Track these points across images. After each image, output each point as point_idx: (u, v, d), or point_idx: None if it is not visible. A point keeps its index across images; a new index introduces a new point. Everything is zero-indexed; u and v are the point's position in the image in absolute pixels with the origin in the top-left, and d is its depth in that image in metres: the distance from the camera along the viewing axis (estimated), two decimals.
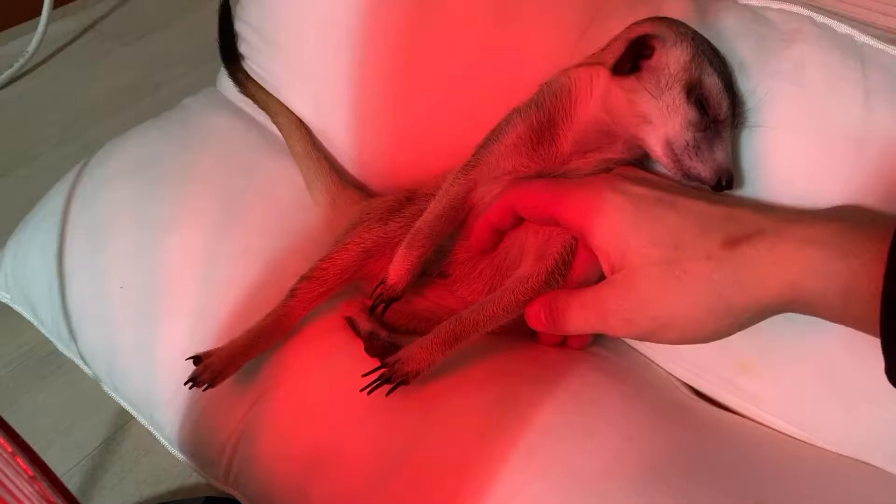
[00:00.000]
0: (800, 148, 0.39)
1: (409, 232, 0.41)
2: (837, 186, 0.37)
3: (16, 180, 0.51)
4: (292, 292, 0.41)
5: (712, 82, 0.37)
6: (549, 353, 0.43)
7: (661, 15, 0.40)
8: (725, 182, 0.37)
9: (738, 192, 0.40)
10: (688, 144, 0.37)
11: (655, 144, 0.38)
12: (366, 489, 0.37)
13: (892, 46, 0.38)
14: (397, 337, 0.42)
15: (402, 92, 0.51)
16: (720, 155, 0.37)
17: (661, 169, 0.39)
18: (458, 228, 0.42)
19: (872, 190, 0.36)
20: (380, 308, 0.40)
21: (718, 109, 0.37)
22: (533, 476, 0.35)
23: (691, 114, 0.36)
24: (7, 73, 0.72)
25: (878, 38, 0.39)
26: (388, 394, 0.37)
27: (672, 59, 0.37)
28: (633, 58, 0.37)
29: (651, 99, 0.37)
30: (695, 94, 0.36)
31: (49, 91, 0.75)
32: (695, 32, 0.38)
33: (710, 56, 0.38)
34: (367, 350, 0.41)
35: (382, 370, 0.37)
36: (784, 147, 0.39)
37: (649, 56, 0.37)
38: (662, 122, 0.37)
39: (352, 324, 0.42)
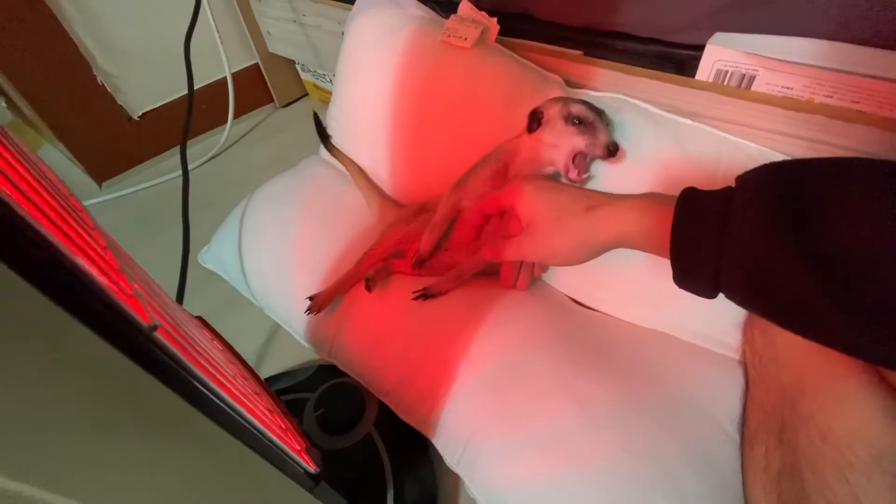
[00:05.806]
0: (628, 163, 0.51)
1: (422, 227, 0.53)
2: (646, 182, 0.50)
3: (219, 207, 0.71)
4: (359, 261, 0.55)
5: (577, 108, 0.47)
6: (502, 289, 0.55)
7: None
8: (612, 149, 0.46)
9: (598, 187, 0.50)
10: (584, 144, 0.47)
11: (561, 160, 0.48)
12: (401, 352, 0.51)
13: (666, 113, 0.52)
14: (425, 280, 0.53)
15: (415, 149, 0.63)
16: (602, 137, 0.47)
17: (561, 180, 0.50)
18: (452, 224, 0.54)
19: (661, 183, 0.49)
20: (418, 263, 0.53)
21: (589, 118, 0.48)
22: (488, 344, 0.48)
23: (573, 129, 0.47)
24: (210, 154, 1.06)
25: (658, 108, 0.53)
26: (424, 299, 0.51)
27: (552, 113, 0.49)
28: (534, 121, 0.50)
29: (550, 135, 0.49)
30: (571, 119, 0.48)
31: (233, 163, 1.08)
32: (565, 98, 0.50)
33: (572, 100, 0.49)
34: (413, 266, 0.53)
35: (423, 291, 0.51)
36: (620, 166, 0.51)
37: (542, 117, 0.49)
38: (563, 143, 0.48)
39: (388, 268, 0.55)
